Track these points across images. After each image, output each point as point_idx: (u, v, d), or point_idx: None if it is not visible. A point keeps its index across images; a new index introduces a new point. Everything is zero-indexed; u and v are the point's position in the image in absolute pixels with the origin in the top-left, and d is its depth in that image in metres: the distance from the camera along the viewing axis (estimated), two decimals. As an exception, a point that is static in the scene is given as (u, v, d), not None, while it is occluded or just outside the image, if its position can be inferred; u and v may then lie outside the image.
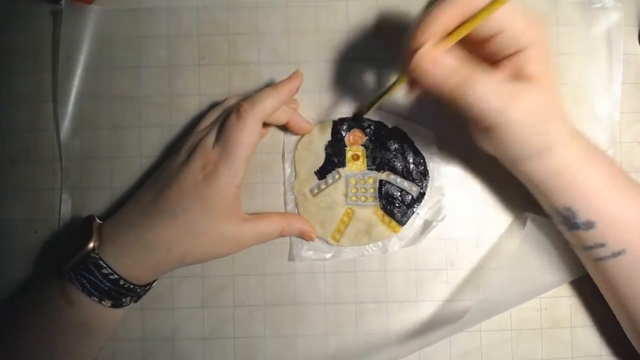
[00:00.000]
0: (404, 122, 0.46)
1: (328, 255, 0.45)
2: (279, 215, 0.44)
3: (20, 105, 0.47)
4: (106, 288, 0.38)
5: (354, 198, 0.45)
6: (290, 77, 0.42)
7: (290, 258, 0.46)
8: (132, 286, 0.39)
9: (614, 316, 0.42)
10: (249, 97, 0.40)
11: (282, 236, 0.44)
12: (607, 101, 0.46)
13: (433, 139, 0.46)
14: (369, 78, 0.47)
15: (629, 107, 0.47)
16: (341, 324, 0.46)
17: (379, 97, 0.40)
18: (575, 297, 0.45)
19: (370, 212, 0.45)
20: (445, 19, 0.32)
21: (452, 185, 0.46)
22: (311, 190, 0.46)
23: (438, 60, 0.33)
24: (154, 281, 0.43)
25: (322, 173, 0.46)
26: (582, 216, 0.37)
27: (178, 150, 0.42)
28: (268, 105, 0.39)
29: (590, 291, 0.45)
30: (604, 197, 0.37)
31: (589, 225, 0.37)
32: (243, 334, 0.46)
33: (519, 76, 0.34)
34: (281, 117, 0.42)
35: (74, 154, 0.46)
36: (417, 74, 0.34)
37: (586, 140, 0.38)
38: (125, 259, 0.39)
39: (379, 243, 0.45)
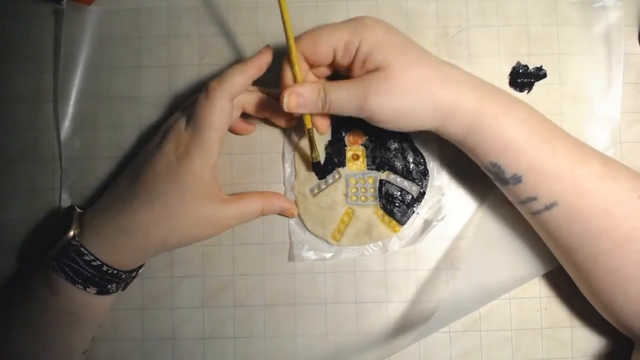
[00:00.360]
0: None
1: (328, 255, 0.45)
2: (258, 194, 0.44)
3: (21, 105, 0.47)
4: (89, 275, 0.38)
5: (354, 198, 0.45)
6: (259, 53, 0.40)
7: (290, 258, 0.46)
8: (115, 272, 0.39)
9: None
10: (217, 76, 0.39)
11: (263, 215, 0.44)
12: (608, 101, 0.46)
13: (433, 139, 0.46)
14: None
15: (629, 107, 0.47)
16: (341, 324, 0.46)
17: (311, 146, 0.43)
18: (575, 297, 0.45)
19: (371, 212, 0.45)
20: (288, 73, 0.39)
21: (452, 185, 0.46)
22: (311, 190, 0.46)
23: (297, 92, 0.38)
24: (141, 267, 0.43)
25: (322, 173, 0.46)
26: (509, 170, 0.37)
27: (154, 136, 0.42)
28: (237, 82, 0.39)
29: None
30: (525, 150, 0.37)
31: (517, 179, 0.37)
32: (243, 334, 0.46)
33: (368, 73, 0.38)
34: (262, 110, 0.43)
35: (74, 154, 0.46)
36: (294, 110, 0.39)
37: (503, 95, 0.38)
38: (106, 245, 0.39)
39: (379, 243, 0.45)
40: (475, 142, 0.38)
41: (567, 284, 0.45)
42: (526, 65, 0.46)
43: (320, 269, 0.46)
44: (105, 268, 0.39)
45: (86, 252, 0.38)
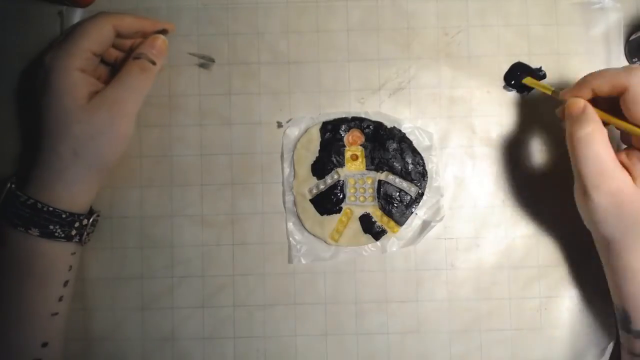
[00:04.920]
0: (403, 122, 0.46)
1: (327, 255, 0.45)
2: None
3: (21, 105, 0.47)
4: (27, 215, 0.39)
5: (352, 198, 0.45)
6: (162, 22, 0.44)
7: (290, 260, 0.46)
8: (51, 209, 0.39)
9: (612, 315, 0.42)
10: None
11: (119, 32, 0.43)
12: (607, 101, 0.46)
13: (432, 139, 0.46)
14: (369, 78, 0.47)
15: (629, 107, 0.46)
16: (341, 324, 0.46)
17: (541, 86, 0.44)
18: (575, 298, 0.45)
19: (369, 212, 0.45)
20: (594, 83, 0.38)
21: (451, 186, 0.46)
22: (310, 190, 0.46)
23: (584, 108, 0.38)
24: (91, 216, 0.43)
25: (320, 173, 0.46)
26: (636, 324, 0.37)
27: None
28: (126, 19, 0.42)
29: (591, 291, 0.45)
30: None
31: None
32: (243, 334, 0.46)
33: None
34: (135, 31, 0.43)
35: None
36: (568, 110, 0.38)
37: None
38: (35, 184, 0.40)
39: (378, 243, 0.45)
40: (616, 281, 0.38)
41: (567, 284, 0.45)
42: (525, 65, 0.46)
43: (320, 269, 0.46)
44: (39, 205, 0.39)
45: (20, 194, 0.39)
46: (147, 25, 0.43)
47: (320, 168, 0.46)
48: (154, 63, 0.42)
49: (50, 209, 0.39)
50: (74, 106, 0.39)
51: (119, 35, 0.43)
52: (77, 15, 0.46)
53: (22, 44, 0.47)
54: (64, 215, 0.40)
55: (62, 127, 0.40)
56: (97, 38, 0.41)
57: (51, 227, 0.40)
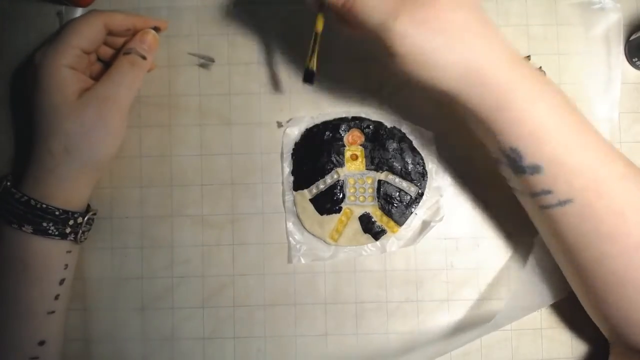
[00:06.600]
0: (403, 122, 0.46)
1: (326, 255, 0.45)
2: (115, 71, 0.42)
3: (22, 106, 0.47)
4: (21, 212, 0.39)
5: (352, 198, 0.45)
6: (155, 19, 0.44)
7: (289, 260, 0.46)
8: (44, 206, 0.39)
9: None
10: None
11: (109, 29, 0.42)
12: (607, 102, 0.46)
13: (432, 139, 0.46)
14: (369, 78, 0.47)
15: (628, 107, 0.47)
16: (341, 324, 0.46)
17: (313, 51, 0.39)
18: (575, 298, 0.45)
19: (369, 212, 0.45)
20: None
21: (450, 186, 0.46)
22: (309, 190, 0.46)
23: None
24: (87, 214, 0.42)
25: (320, 173, 0.46)
26: (528, 159, 0.35)
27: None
28: (117, 17, 0.42)
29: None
30: (552, 139, 0.34)
31: (536, 169, 0.35)
32: (243, 334, 0.46)
33: None
34: (127, 28, 0.43)
35: (74, 154, 0.46)
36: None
37: (538, 74, 0.35)
38: (29, 181, 0.40)
39: (377, 243, 0.45)
40: (499, 122, 0.35)
41: (567, 283, 0.45)
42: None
43: (320, 269, 0.46)
44: (32, 202, 0.39)
45: (14, 191, 0.40)
46: (139, 22, 0.43)
47: (320, 168, 0.46)
48: (144, 58, 0.42)
49: (43, 206, 0.40)
50: (64, 103, 0.39)
51: (111, 33, 0.42)
52: (77, 15, 0.46)
53: (21, 44, 0.47)
54: (57, 213, 0.40)
55: (52, 124, 0.40)
56: (87, 35, 0.41)
57: (44, 224, 0.40)
